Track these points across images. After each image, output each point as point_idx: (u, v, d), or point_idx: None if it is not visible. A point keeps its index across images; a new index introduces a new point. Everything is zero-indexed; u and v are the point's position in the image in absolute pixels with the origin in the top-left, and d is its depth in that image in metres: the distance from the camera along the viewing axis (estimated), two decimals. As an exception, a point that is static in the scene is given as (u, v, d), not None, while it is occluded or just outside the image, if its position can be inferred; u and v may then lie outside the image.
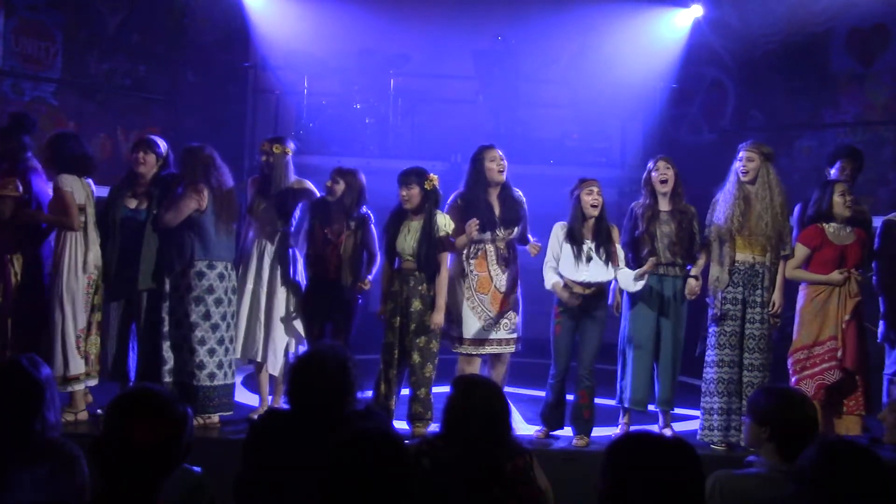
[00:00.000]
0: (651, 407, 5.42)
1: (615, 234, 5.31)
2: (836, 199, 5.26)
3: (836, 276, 5.18)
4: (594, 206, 5.18)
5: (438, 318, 5.15)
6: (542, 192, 6.30)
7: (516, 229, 5.34)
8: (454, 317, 5.31)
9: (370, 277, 5.51)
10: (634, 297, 5.34)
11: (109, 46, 8.71)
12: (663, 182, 5.29)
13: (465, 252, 5.29)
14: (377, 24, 9.15)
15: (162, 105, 9.00)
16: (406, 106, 9.46)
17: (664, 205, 5.33)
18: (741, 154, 5.29)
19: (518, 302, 5.40)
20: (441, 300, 5.18)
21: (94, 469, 2.46)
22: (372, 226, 5.52)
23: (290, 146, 5.65)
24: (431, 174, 5.28)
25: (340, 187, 5.46)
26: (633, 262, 5.33)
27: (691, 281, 5.25)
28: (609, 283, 5.28)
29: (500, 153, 5.31)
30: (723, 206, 5.29)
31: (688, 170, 5.59)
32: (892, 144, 8.44)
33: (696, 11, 9.40)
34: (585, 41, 9.35)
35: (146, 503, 2.17)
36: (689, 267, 5.34)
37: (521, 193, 5.41)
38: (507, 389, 5.00)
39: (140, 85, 8.93)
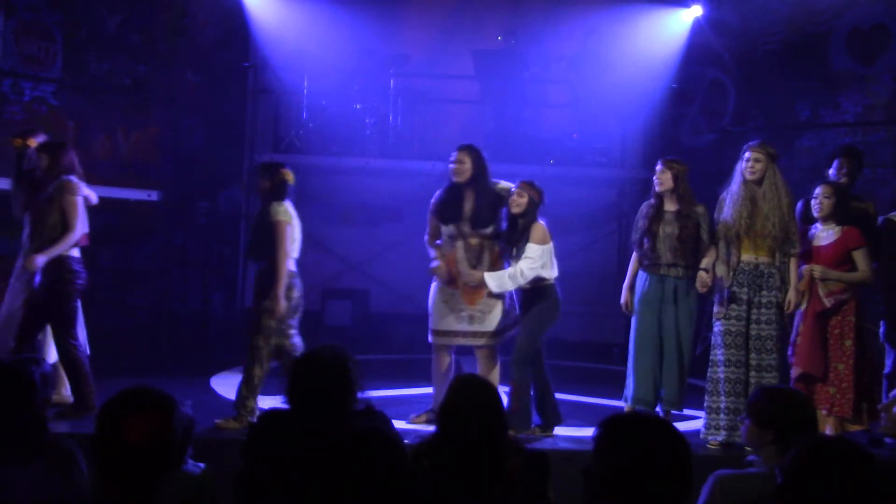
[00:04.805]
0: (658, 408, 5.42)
1: (532, 233, 5.25)
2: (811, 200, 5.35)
3: (804, 270, 5.29)
4: (515, 207, 5.33)
5: None
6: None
7: (491, 228, 5.36)
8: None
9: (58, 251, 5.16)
10: (639, 298, 5.38)
11: (109, 46, 8.69)
12: (659, 184, 5.34)
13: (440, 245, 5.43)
14: (377, 24, 9.14)
15: (162, 105, 8.98)
16: (406, 106, 9.44)
17: (670, 205, 5.35)
18: (747, 154, 5.26)
19: (499, 299, 5.39)
20: None
21: (93, 468, 2.46)
22: (71, 194, 5.22)
23: (34, 140, 5.51)
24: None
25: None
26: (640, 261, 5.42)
27: (701, 273, 5.25)
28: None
29: (456, 153, 5.38)
30: (729, 206, 5.27)
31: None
32: (892, 144, 8.42)
33: (696, 11, 9.38)
34: (586, 41, 9.34)
35: (146, 502, 2.16)
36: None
37: (504, 191, 5.38)
38: (505, 389, 5.02)
39: (140, 85, 8.91)
